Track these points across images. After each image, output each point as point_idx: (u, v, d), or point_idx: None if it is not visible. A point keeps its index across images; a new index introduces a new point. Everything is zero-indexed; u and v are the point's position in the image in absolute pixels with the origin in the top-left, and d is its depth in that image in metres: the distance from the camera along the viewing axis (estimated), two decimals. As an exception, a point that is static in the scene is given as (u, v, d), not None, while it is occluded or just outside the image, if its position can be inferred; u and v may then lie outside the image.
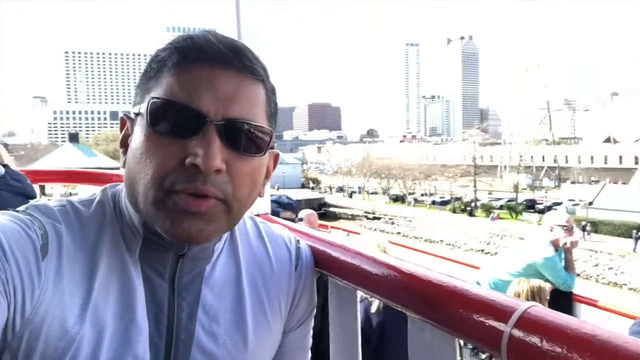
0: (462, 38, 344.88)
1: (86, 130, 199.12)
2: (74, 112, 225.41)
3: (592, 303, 3.75)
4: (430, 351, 0.78)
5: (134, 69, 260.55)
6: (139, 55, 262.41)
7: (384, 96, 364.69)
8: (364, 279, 0.89)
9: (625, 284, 32.17)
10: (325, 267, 0.97)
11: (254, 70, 0.71)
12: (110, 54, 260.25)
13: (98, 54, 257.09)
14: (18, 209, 0.71)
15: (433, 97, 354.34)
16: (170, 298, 0.74)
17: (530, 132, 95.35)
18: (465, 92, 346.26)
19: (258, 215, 1.34)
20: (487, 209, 55.90)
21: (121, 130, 0.77)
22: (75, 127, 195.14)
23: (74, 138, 58.11)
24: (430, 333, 0.77)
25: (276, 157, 0.82)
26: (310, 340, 0.97)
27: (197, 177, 0.65)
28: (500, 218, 53.41)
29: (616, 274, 33.27)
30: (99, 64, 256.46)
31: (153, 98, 0.68)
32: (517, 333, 0.59)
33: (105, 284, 0.70)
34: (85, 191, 2.59)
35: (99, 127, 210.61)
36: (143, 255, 0.74)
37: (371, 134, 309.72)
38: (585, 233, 38.69)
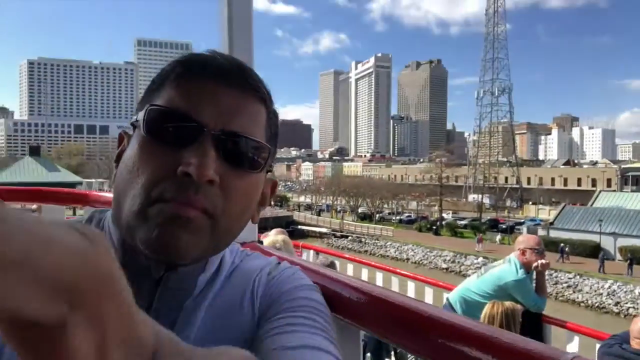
0: (431, 62, 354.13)
1: (48, 144, 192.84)
2: (36, 125, 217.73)
3: (561, 324, 3.81)
4: None
5: (102, 81, 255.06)
6: (108, 68, 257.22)
7: (354, 115, 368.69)
8: (365, 316, 0.85)
9: (582, 302, 33.26)
10: None
11: (257, 89, 0.71)
12: (78, 66, 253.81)
13: (65, 66, 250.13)
14: None
15: (402, 117, 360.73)
16: None
17: (494, 154, 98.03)
18: (433, 114, 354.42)
19: (244, 243, 1.27)
20: (452, 228, 56.92)
21: (118, 146, 0.75)
22: (37, 140, 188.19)
23: (34, 151, 56.24)
24: None
25: (274, 185, 0.79)
26: None
27: (189, 187, 0.63)
28: (464, 237, 54.47)
29: (574, 292, 34.37)
30: (65, 75, 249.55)
31: (151, 105, 0.67)
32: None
33: None
34: (49, 211, 2.41)
35: (62, 140, 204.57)
36: None
37: (341, 152, 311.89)
38: (564, 255, 39.71)
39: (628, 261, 36.43)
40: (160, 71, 0.73)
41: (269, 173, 0.75)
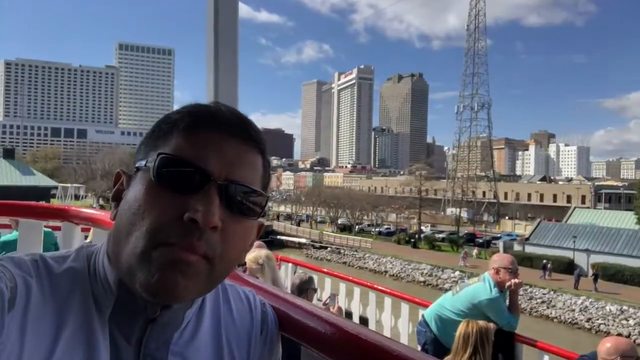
0: (412, 75, 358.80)
1: (24, 146, 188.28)
2: (11, 127, 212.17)
3: (532, 343, 3.90)
4: None
5: (82, 84, 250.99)
6: (88, 71, 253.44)
7: (336, 126, 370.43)
8: (332, 346, 0.88)
9: (556, 317, 33.79)
10: (290, 331, 0.95)
11: (257, 141, 0.76)
12: (57, 68, 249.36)
13: (44, 67, 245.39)
14: None
15: (383, 129, 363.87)
16: None
17: (473, 168, 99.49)
18: (414, 127, 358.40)
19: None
20: (430, 241, 57.36)
21: (114, 185, 0.78)
22: (12, 142, 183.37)
23: (9, 154, 54.93)
24: None
25: (261, 226, 0.82)
26: None
27: (194, 232, 0.67)
28: (442, 250, 54.92)
29: (547, 307, 34.92)
30: (43, 77, 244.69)
31: (161, 153, 0.70)
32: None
33: (71, 345, 0.68)
34: (27, 226, 2.36)
35: (38, 143, 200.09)
36: (113, 317, 0.73)
37: (322, 162, 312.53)
38: (547, 272, 39.99)
39: (593, 276, 37.16)
40: (167, 117, 0.76)
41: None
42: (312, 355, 0.95)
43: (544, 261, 41.11)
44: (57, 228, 5.07)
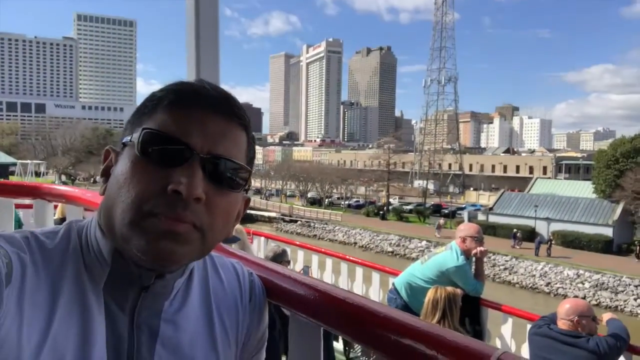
0: (381, 49, 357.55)
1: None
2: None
3: (496, 307, 4.10)
4: None
5: (38, 56, 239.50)
6: (44, 43, 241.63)
7: (305, 99, 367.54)
8: (320, 311, 0.92)
9: (517, 283, 35.33)
10: (278, 298, 0.99)
11: (240, 117, 0.79)
12: (10, 39, 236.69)
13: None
14: None
15: (352, 103, 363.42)
16: (129, 332, 0.76)
17: (439, 141, 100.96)
18: (382, 101, 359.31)
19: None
20: (398, 213, 58.44)
21: (104, 161, 0.81)
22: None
23: (-38, 130, 52.28)
24: None
25: (247, 202, 0.85)
26: None
27: (178, 203, 0.69)
28: (409, 221, 56.08)
29: (510, 274, 36.42)
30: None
31: (145, 128, 0.73)
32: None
33: (67, 316, 0.71)
34: None
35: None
36: (107, 288, 0.75)
37: (291, 136, 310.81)
38: (517, 240, 41.11)
39: (547, 243, 38.87)
40: (152, 95, 0.78)
41: (245, 193, 0.82)
42: (301, 321, 0.99)
43: (514, 230, 42.21)
44: (28, 206, 4.99)
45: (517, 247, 40.74)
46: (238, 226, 4.25)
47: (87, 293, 0.74)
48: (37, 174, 63.53)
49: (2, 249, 0.68)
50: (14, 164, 52.97)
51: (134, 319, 0.77)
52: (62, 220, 4.32)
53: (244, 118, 0.79)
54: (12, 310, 0.65)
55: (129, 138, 0.75)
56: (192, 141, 0.72)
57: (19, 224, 4.79)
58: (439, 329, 0.76)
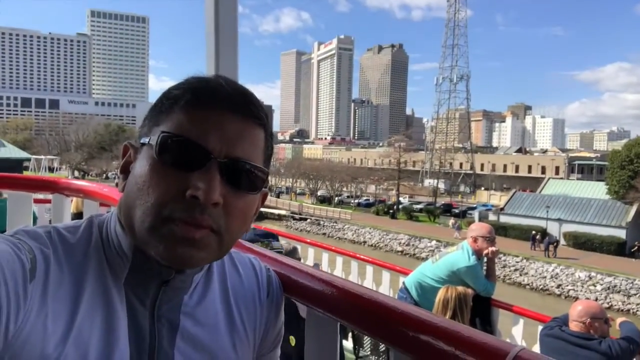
0: (392, 46, 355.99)
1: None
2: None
3: (508, 307, 4.08)
4: None
5: (52, 52, 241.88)
6: (58, 39, 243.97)
7: (315, 97, 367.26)
8: (337, 306, 0.93)
9: (528, 284, 35.03)
10: (295, 293, 1.00)
11: (258, 116, 0.78)
12: (25, 35, 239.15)
13: (11, 35, 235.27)
14: (6, 232, 0.74)
15: (363, 101, 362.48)
16: (150, 325, 0.77)
17: (450, 140, 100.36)
18: (393, 98, 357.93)
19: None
20: (408, 212, 58.22)
21: (122, 157, 0.81)
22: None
23: (-23, 124, 53.00)
24: None
25: (265, 196, 0.85)
26: None
27: (196, 208, 0.70)
28: (419, 220, 55.82)
29: (520, 275, 36.12)
30: (10, 45, 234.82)
31: (164, 132, 0.73)
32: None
33: (90, 310, 0.72)
34: (17, 198, 2.34)
35: (7, 114, 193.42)
36: (128, 282, 0.77)
37: (301, 134, 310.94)
38: (536, 243, 40.22)
39: (554, 244, 38.10)
40: (169, 92, 0.78)
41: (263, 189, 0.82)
42: (318, 316, 1.00)
43: (533, 232, 41.35)
44: (43, 201, 5.07)
45: (536, 249, 39.73)
46: None
47: (110, 287, 0.75)
48: (51, 169, 64.29)
49: (27, 245, 0.70)
50: (28, 159, 53.57)
51: (155, 312, 0.78)
52: (77, 214, 4.38)
53: (262, 116, 0.79)
54: (36, 305, 0.66)
55: (147, 139, 0.75)
56: (210, 145, 0.72)
57: (34, 218, 4.87)
58: (456, 325, 0.77)
